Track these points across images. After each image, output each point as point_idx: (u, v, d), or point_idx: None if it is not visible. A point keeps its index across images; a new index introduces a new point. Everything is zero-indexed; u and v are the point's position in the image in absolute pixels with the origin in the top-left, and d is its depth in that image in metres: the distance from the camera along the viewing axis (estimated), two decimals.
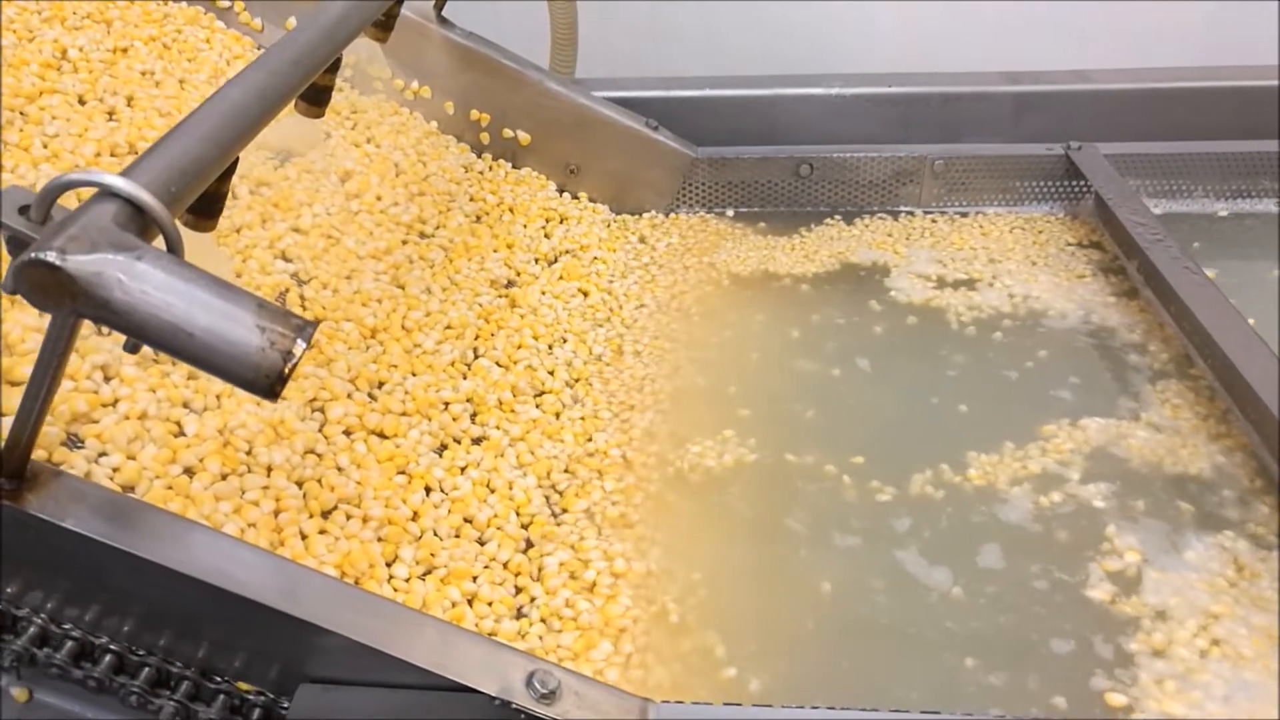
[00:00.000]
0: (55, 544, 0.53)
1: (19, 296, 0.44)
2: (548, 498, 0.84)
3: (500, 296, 1.04)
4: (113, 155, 0.91)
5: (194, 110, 0.57)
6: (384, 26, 0.94)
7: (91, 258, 0.43)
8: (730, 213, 1.28)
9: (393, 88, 1.21)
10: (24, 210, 0.46)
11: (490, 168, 1.22)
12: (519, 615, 0.74)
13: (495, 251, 1.09)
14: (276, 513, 0.70)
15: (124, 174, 0.48)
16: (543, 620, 0.74)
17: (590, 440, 0.91)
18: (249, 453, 0.73)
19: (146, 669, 0.58)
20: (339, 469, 0.76)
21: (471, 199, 1.15)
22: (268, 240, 0.93)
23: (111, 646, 0.58)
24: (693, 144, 1.27)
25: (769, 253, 1.19)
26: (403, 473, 0.79)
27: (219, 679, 0.59)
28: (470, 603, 0.73)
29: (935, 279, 1.13)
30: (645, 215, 1.27)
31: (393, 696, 0.55)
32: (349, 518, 0.74)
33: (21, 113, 0.89)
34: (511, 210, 1.17)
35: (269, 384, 0.44)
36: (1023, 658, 0.71)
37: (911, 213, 1.26)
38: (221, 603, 0.54)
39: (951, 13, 1.69)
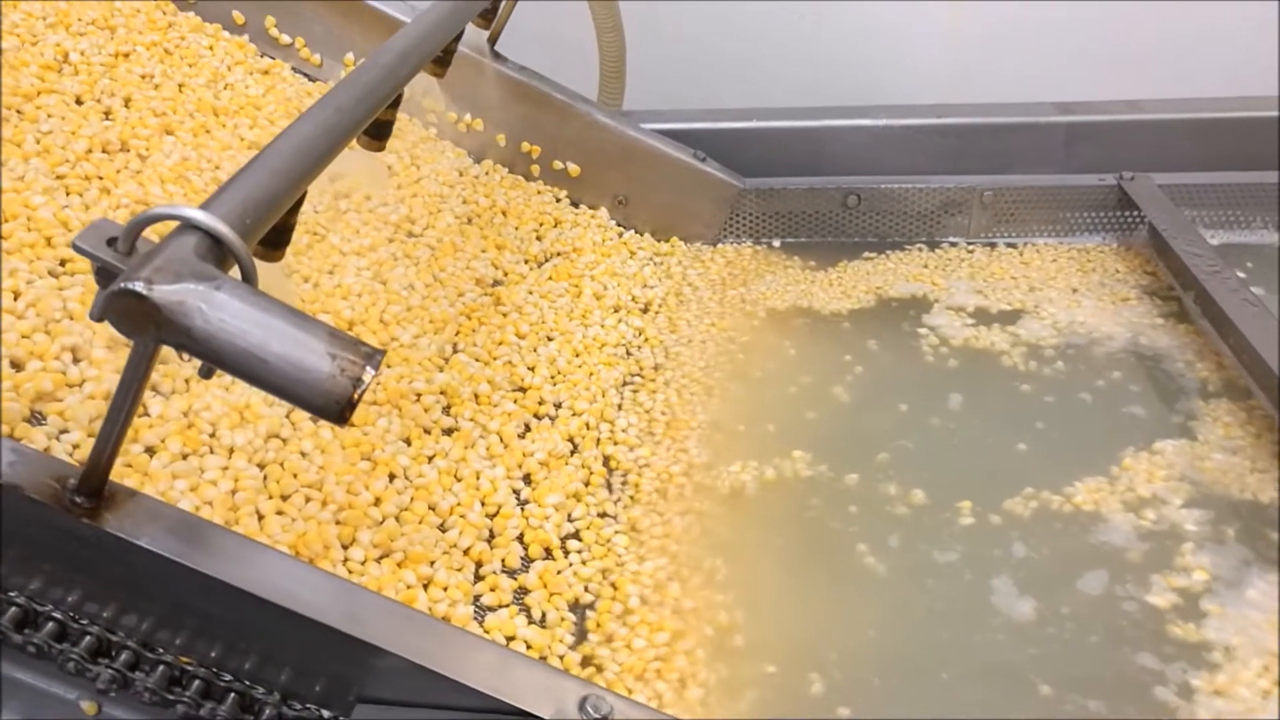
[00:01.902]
0: (129, 561, 0.54)
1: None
2: (517, 491, 0.85)
3: (485, 295, 1.05)
4: (104, 152, 0.92)
5: (266, 146, 0.59)
6: (442, 62, 0.97)
7: (175, 287, 0.45)
8: (777, 243, 1.29)
9: (446, 120, 1.24)
10: (111, 242, 0.48)
11: (487, 172, 1.23)
12: (476, 602, 0.74)
13: (484, 252, 1.10)
14: (234, 492, 0.71)
15: (203, 207, 0.50)
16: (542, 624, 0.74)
17: (571, 440, 0.92)
18: (212, 435, 0.74)
19: (196, 681, 0.60)
20: (302, 453, 0.77)
21: (464, 201, 1.16)
22: None
23: (165, 658, 0.59)
24: (740, 175, 1.28)
25: (806, 287, 1.19)
26: (367, 459, 0.80)
27: (269, 694, 0.60)
28: (426, 587, 0.73)
29: (989, 311, 1.12)
30: (672, 240, 1.28)
31: (448, 718, 0.56)
32: (308, 500, 0.74)
33: (18, 111, 0.91)
34: (504, 213, 1.18)
35: (339, 409, 0.45)
36: (1093, 687, 0.71)
37: (958, 244, 1.26)
38: (285, 622, 0.55)
39: (1000, 43, 1.69)
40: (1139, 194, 1.22)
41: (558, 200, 1.26)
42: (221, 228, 0.48)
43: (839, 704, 0.70)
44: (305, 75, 1.20)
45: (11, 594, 0.58)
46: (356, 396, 0.45)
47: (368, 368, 0.45)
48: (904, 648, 0.75)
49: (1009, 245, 1.25)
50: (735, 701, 0.70)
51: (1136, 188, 1.22)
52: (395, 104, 0.79)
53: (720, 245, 1.28)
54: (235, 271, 0.50)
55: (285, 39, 1.21)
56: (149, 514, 0.55)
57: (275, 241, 0.61)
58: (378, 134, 0.81)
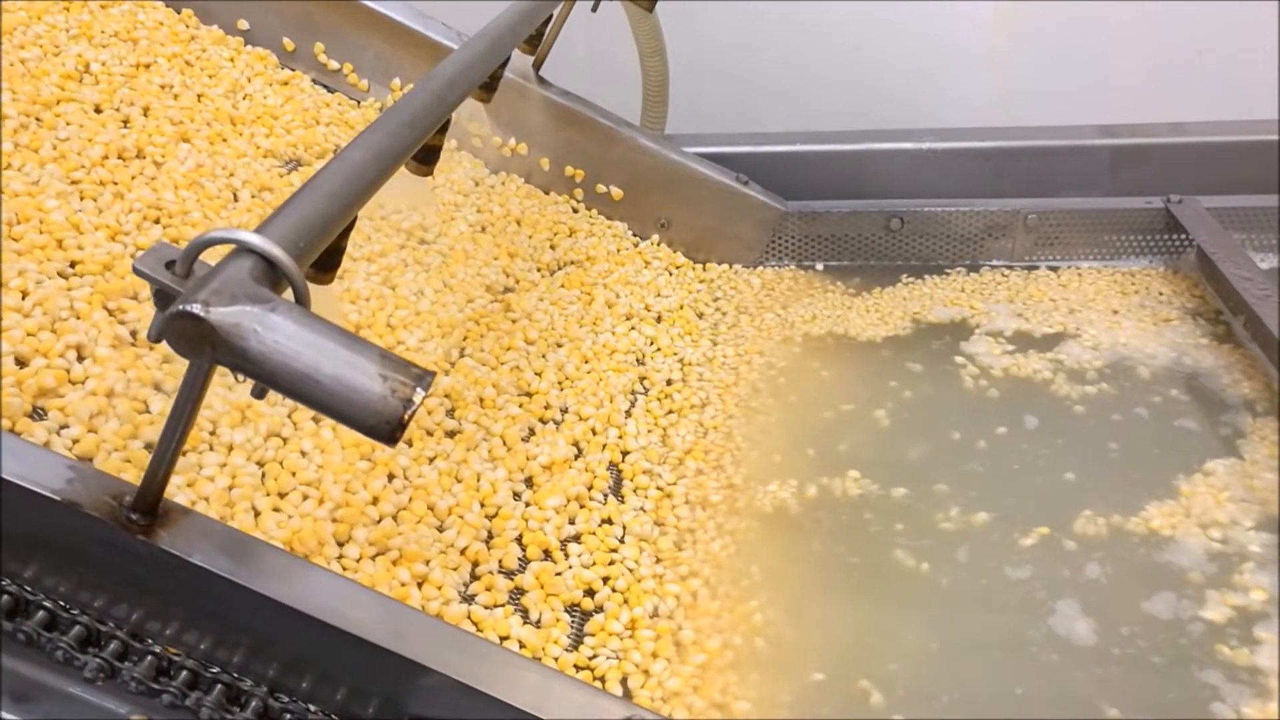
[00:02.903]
0: (181, 578, 0.56)
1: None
2: (518, 493, 0.85)
3: (495, 301, 1.05)
4: (120, 158, 0.94)
5: (319, 170, 0.61)
6: (488, 88, 0.98)
7: (231, 309, 0.46)
8: (820, 266, 1.29)
9: (491, 145, 1.26)
10: (169, 265, 0.49)
11: (503, 182, 1.23)
12: (471, 601, 0.75)
13: (495, 259, 1.10)
14: (231, 488, 0.72)
15: (258, 231, 0.51)
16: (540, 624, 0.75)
17: (576, 444, 0.92)
18: (213, 432, 0.75)
19: (254, 700, 0.60)
20: (302, 453, 0.77)
21: (478, 210, 1.16)
22: None
23: (219, 675, 0.60)
24: (782, 198, 1.28)
25: (843, 312, 1.18)
26: (367, 459, 0.80)
27: (319, 710, 0.61)
28: (420, 585, 0.73)
29: (1031, 335, 1.11)
30: (706, 261, 1.28)
31: None
32: (305, 498, 0.74)
33: (37, 119, 0.93)
34: (519, 222, 1.18)
35: (389, 430, 0.46)
36: (1160, 710, 0.70)
37: (1000, 267, 1.25)
38: (331, 639, 0.56)
39: (1043, 67, 1.69)
40: (1186, 217, 1.20)
41: (575, 211, 1.26)
42: (276, 251, 0.50)
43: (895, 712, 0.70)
44: (324, 86, 1.22)
45: (67, 606, 0.59)
46: (407, 417, 0.46)
47: (418, 389, 0.46)
48: (965, 666, 0.74)
49: (1052, 269, 1.24)
50: (784, 714, 0.70)
51: (1184, 211, 1.21)
52: (443, 129, 0.80)
53: (760, 268, 1.28)
54: (289, 294, 0.51)
55: (334, 65, 1.24)
56: (201, 531, 0.56)
57: (327, 264, 0.62)
58: (426, 159, 0.83)
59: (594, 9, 1.18)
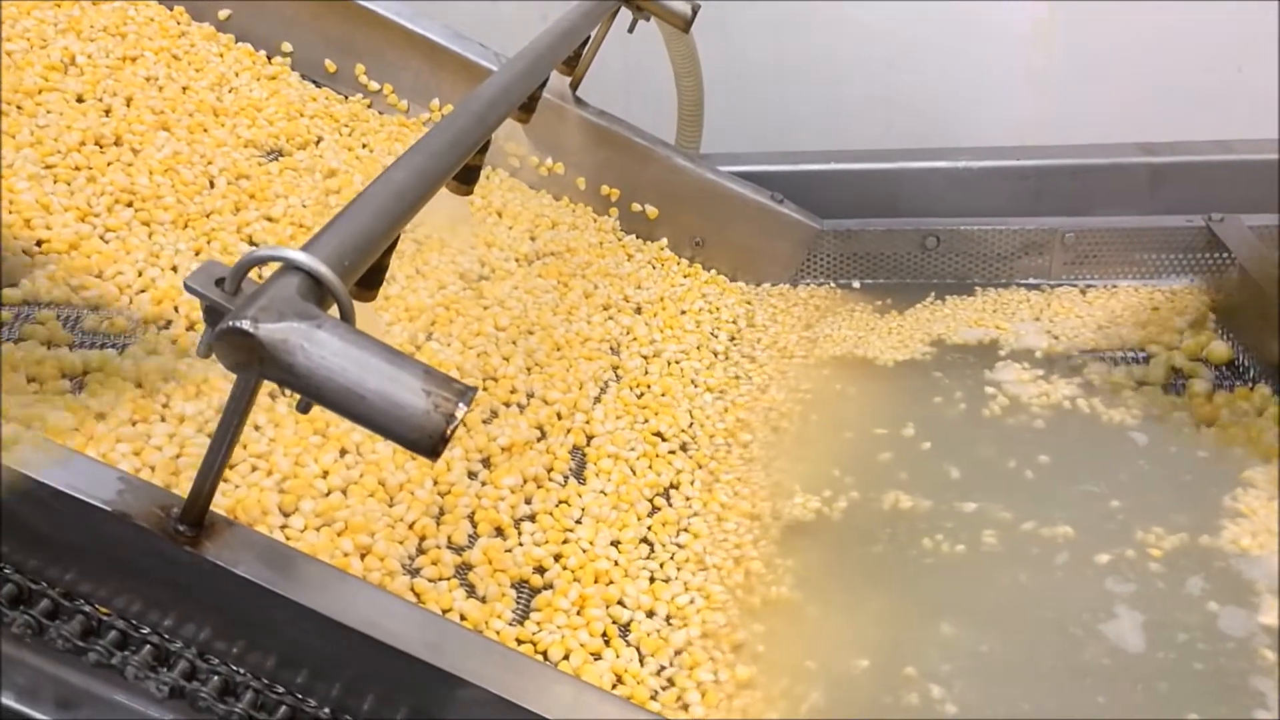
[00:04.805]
0: (226, 588, 0.57)
1: None
2: (474, 473, 0.84)
3: (468, 289, 1.03)
4: (96, 145, 0.94)
5: (363, 190, 0.62)
6: (527, 109, 1.00)
7: (279, 326, 0.47)
8: (856, 284, 1.28)
9: (529, 164, 1.27)
10: (219, 283, 0.50)
11: (487, 176, 1.23)
12: (410, 572, 0.74)
13: (473, 248, 1.09)
14: (178, 457, 0.71)
15: (304, 249, 0.52)
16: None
17: (540, 428, 0.91)
18: (165, 405, 0.75)
19: (284, 707, 0.61)
20: (255, 426, 0.77)
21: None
22: (236, 225, 0.94)
23: (253, 684, 0.61)
24: (818, 216, 1.29)
25: (864, 334, 1.17)
26: (320, 435, 0.79)
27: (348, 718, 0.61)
28: (363, 556, 0.73)
29: (1064, 355, 1.10)
30: (696, 264, 1.28)
31: None
32: (254, 469, 0.74)
33: (18, 107, 0.93)
34: (499, 213, 1.18)
35: (432, 444, 0.47)
36: None
37: (1033, 285, 1.24)
38: (370, 651, 0.57)
39: (1081, 84, 1.68)
40: (1228, 235, 1.19)
41: (574, 208, 1.26)
42: (322, 269, 0.51)
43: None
44: (313, 81, 1.23)
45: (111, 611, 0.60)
46: (449, 432, 0.47)
47: (460, 404, 0.47)
48: (1016, 673, 0.74)
49: (1089, 287, 1.23)
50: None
51: (1226, 229, 1.20)
52: (483, 149, 0.82)
53: (783, 285, 1.27)
54: (334, 310, 0.52)
55: (374, 85, 1.26)
56: (245, 543, 0.57)
57: (370, 281, 0.63)
58: (466, 179, 0.84)
59: (630, 30, 1.19)
